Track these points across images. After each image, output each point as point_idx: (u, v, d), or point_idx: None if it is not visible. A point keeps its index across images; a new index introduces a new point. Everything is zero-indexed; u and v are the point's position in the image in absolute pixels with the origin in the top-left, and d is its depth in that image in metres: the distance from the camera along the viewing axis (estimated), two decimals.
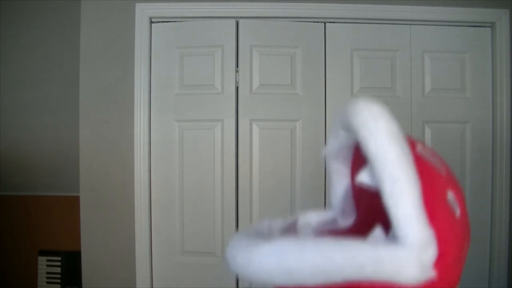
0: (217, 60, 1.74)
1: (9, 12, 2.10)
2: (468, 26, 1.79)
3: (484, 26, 1.79)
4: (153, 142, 1.76)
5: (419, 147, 0.38)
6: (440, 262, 0.30)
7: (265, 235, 0.40)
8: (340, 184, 0.48)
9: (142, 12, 1.73)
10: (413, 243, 0.29)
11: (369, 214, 0.44)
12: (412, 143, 0.37)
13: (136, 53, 1.73)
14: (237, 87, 1.74)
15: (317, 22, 1.77)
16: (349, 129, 0.36)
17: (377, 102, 0.35)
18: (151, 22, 1.76)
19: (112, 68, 1.75)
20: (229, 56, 1.73)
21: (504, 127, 1.76)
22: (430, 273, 0.30)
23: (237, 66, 1.74)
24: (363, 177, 0.35)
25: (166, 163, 1.76)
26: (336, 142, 0.43)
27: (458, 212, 0.35)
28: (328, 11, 1.75)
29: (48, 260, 2.01)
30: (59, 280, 2.00)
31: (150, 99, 1.76)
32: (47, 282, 2.00)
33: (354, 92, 1.76)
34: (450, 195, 0.35)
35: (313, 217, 0.48)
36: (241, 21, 1.75)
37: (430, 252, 0.30)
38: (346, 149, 0.44)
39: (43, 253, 2.01)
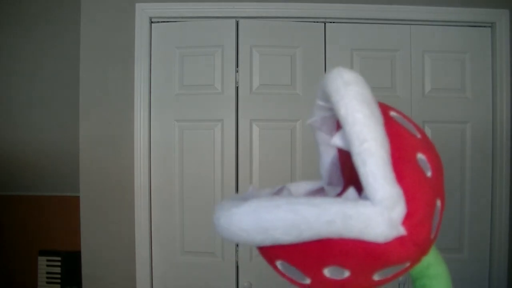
0: (217, 60, 1.74)
1: (9, 12, 2.10)
2: (468, 26, 1.79)
3: (484, 26, 1.79)
4: (153, 142, 1.76)
5: (392, 112, 0.39)
6: (409, 219, 0.31)
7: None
8: (327, 154, 0.49)
9: (142, 12, 1.73)
10: (381, 200, 0.29)
11: (353, 181, 0.45)
12: (385, 108, 0.38)
13: (136, 53, 1.73)
14: (237, 87, 1.74)
15: (317, 22, 1.77)
16: (327, 98, 0.37)
17: (350, 70, 0.36)
18: (151, 22, 1.76)
19: (112, 68, 1.75)
20: (229, 56, 1.73)
21: (504, 127, 1.76)
22: (398, 230, 0.30)
23: (237, 66, 1.74)
24: (337, 140, 0.37)
25: (166, 163, 1.76)
26: (319, 113, 0.44)
27: (429, 173, 0.35)
28: (328, 11, 1.74)
29: (48, 260, 2.01)
30: (59, 280, 2.00)
31: (150, 99, 1.76)
32: (47, 282, 2.00)
33: None
34: (421, 156, 0.35)
35: (301, 186, 0.49)
36: (241, 21, 1.75)
37: (398, 210, 0.30)
38: (330, 119, 0.45)
39: (43, 253, 2.01)
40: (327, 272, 0.34)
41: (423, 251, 0.33)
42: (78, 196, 1.75)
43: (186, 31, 1.76)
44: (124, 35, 1.74)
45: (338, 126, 0.45)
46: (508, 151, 1.76)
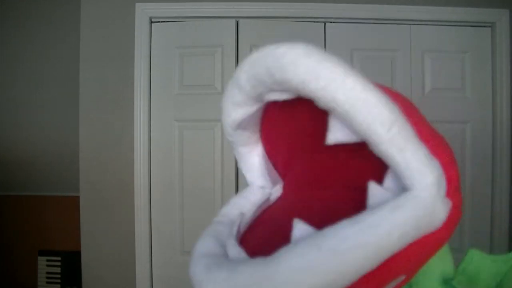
0: (217, 60, 1.74)
1: (9, 12, 2.10)
2: (468, 26, 1.79)
3: (484, 26, 1.79)
4: (153, 142, 1.76)
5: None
6: (451, 187, 0.27)
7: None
8: (254, 154, 0.42)
9: (142, 12, 1.73)
10: (431, 181, 0.25)
11: (300, 178, 0.38)
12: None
13: (136, 53, 1.73)
14: None
15: (317, 22, 1.77)
16: (282, 88, 0.30)
17: (300, 43, 0.29)
18: (151, 22, 1.76)
19: (112, 68, 1.75)
20: (229, 56, 1.73)
21: (504, 127, 1.76)
22: (448, 204, 0.26)
23: (237, 66, 1.74)
24: (337, 135, 0.30)
25: (166, 163, 1.76)
26: (245, 108, 0.35)
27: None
28: (328, 11, 1.75)
29: (48, 260, 2.01)
30: (59, 280, 2.00)
31: (150, 99, 1.76)
32: (47, 282, 2.00)
33: None
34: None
35: (246, 207, 0.41)
36: (241, 21, 1.75)
37: (443, 183, 0.26)
38: (257, 114, 0.37)
39: (43, 253, 2.01)
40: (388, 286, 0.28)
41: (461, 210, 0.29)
42: (78, 196, 1.75)
43: (186, 31, 1.76)
44: (124, 35, 1.74)
45: (266, 119, 0.38)
46: (508, 151, 1.76)
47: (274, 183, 0.42)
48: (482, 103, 1.79)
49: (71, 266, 1.97)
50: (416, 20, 1.77)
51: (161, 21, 1.77)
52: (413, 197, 0.25)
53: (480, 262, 0.35)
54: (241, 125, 0.37)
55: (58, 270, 2.00)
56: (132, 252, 1.73)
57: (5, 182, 2.06)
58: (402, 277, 0.28)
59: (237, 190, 1.74)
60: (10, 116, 2.10)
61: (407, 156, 0.25)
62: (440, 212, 0.26)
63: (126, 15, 1.74)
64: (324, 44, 1.76)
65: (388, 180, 0.28)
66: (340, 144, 0.30)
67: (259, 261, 0.26)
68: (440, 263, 0.34)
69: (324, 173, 0.35)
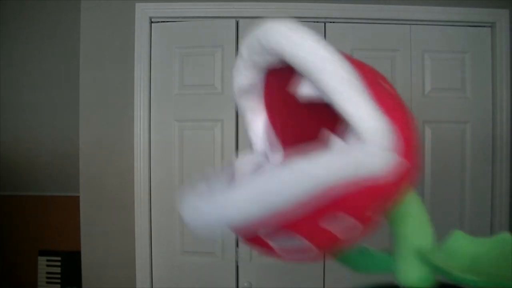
0: (217, 60, 1.74)
1: (9, 12, 2.10)
2: (468, 26, 1.79)
3: (484, 26, 1.79)
4: (153, 142, 1.76)
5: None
6: (405, 146, 0.31)
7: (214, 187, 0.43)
8: (259, 121, 0.48)
9: (142, 12, 1.73)
10: (372, 129, 0.30)
11: (298, 140, 0.44)
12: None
13: (136, 53, 1.73)
14: None
15: (317, 22, 1.77)
16: (269, 54, 0.38)
17: (288, 21, 0.37)
18: (151, 22, 1.76)
19: (112, 68, 1.75)
20: (229, 56, 1.73)
21: (504, 127, 1.76)
22: (395, 158, 0.30)
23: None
24: (306, 90, 0.37)
25: (166, 163, 1.75)
26: (248, 76, 0.44)
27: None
28: (328, 11, 1.74)
29: (48, 260, 2.01)
30: (59, 280, 2.00)
31: (150, 99, 1.76)
32: (47, 282, 2.00)
33: None
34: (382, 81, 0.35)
35: (246, 160, 0.48)
36: (241, 21, 1.75)
37: (390, 136, 0.30)
38: (258, 83, 0.45)
39: (43, 253, 2.01)
40: (330, 223, 0.32)
41: (416, 171, 0.33)
42: (78, 196, 1.75)
43: (186, 31, 1.76)
44: (124, 35, 1.74)
45: (268, 89, 0.46)
46: (508, 151, 1.76)
47: (273, 149, 0.48)
48: (482, 103, 1.79)
49: (71, 266, 1.97)
50: (416, 20, 1.77)
51: (161, 21, 1.77)
52: (359, 145, 0.30)
53: (461, 242, 0.38)
54: (246, 91, 0.46)
55: (58, 270, 2.00)
56: (132, 252, 1.73)
57: (5, 182, 2.06)
58: (349, 219, 0.31)
59: None
60: (11, 116, 2.10)
61: (356, 107, 0.30)
62: (381, 160, 0.29)
63: (126, 15, 1.74)
64: None
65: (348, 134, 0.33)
66: (314, 104, 0.36)
67: (229, 188, 0.35)
68: (419, 237, 0.38)
69: (304, 128, 0.44)
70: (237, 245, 1.72)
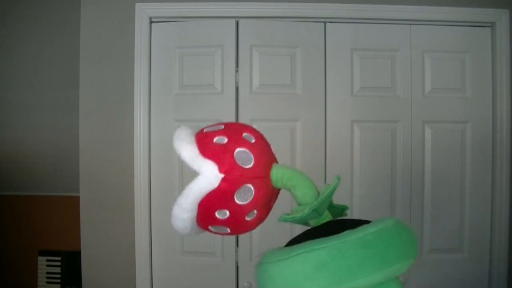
0: (217, 60, 1.74)
1: (9, 12, 2.10)
2: (468, 26, 1.79)
3: (484, 26, 1.79)
4: (153, 142, 1.76)
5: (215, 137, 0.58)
6: (224, 166, 0.53)
7: None
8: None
9: (142, 12, 1.73)
10: (201, 169, 0.55)
11: None
12: (207, 135, 0.59)
13: (136, 53, 1.73)
14: (237, 87, 1.74)
15: (317, 22, 1.77)
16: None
17: (183, 128, 0.61)
18: (151, 22, 1.76)
19: (112, 68, 1.75)
20: (229, 56, 1.73)
21: (504, 127, 1.76)
22: (218, 176, 0.53)
23: (237, 66, 1.74)
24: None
25: (166, 163, 1.75)
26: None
27: (253, 140, 0.58)
28: (328, 11, 1.74)
29: (48, 260, 2.01)
30: (59, 280, 2.00)
31: (150, 99, 1.76)
32: (47, 282, 2.01)
33: (354, 92, 1.76)
34: (246, 135, 0.58)
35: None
36: (241, 21, 1.75)
37: (212, 167, 0.54)
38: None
39: (43, 253, 2.01)
40: (220, 215, 0.55)
41: (237, 177, 0.54)
42: (78, 196, 1.75)
43: (186, 31, 1.76)
44: (124, 35, 1.74)
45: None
46: (508, 151, 1.76)
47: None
48: (482, 103, 1.79)
49: (71, 266, 1.98)
50: (416, 20, 1.77)
51: (161, 21, 1.77)
52: (200, 176, 0.55)
53: (324, 191, 0.57)
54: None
55: (58, 270, 2.00)
56: (132, 252, 1.73)
57: (5, 182, 2.07)
58: (226, 212, 0.54)
59: None
60: (11, 116, 2.11)
61: (195, 164, 0.56)
62: (214, 180, 0.53)
63: (126, 15, 1.74)
64: (324, 44, 1.76)
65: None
66: None
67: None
68: (309, 193, 0.57)
69: None
70: (237, 245, 1.72)
